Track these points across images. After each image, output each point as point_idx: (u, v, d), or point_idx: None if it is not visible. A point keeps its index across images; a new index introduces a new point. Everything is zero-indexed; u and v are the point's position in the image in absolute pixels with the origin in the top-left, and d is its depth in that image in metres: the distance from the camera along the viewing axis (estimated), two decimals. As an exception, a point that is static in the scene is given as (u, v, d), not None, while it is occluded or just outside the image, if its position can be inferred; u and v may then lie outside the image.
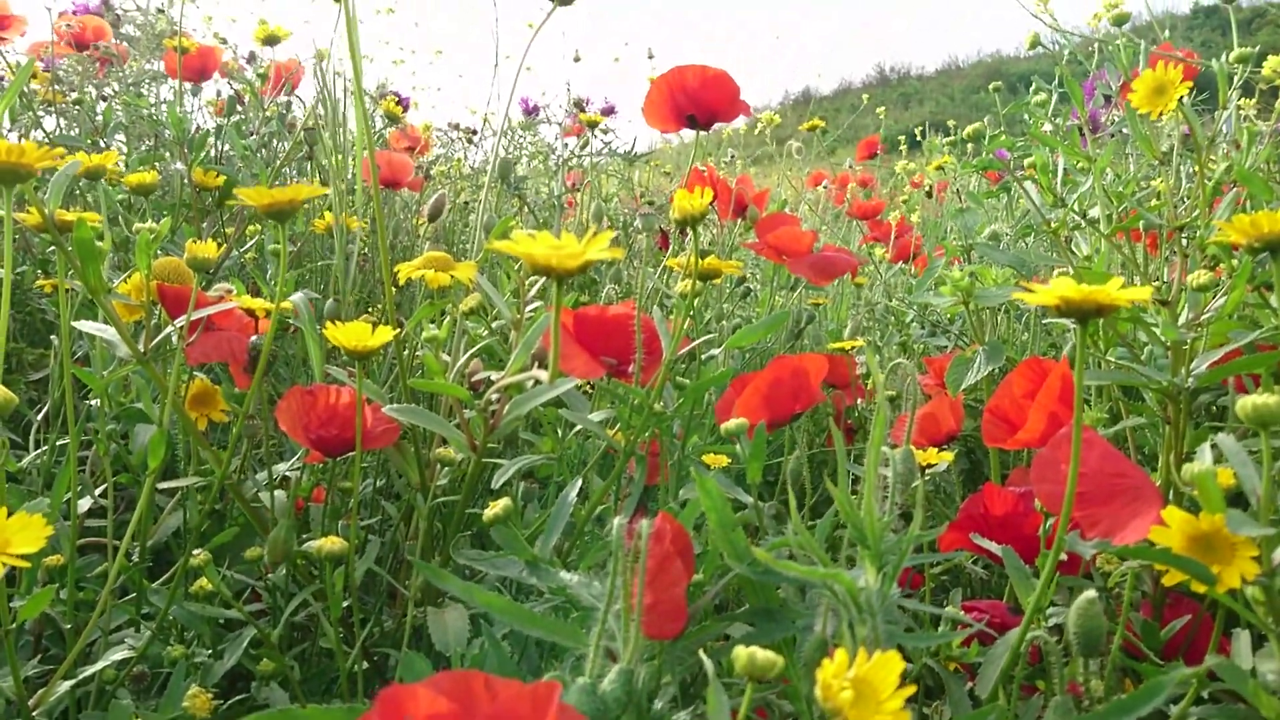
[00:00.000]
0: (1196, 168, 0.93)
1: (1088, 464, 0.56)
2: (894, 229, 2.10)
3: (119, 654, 0.65)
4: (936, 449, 1.10)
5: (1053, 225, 0.92)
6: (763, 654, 0.40)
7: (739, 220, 1.96)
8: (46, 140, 1.49)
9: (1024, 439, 0.77)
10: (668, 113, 1.25)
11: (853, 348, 1.37)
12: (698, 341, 0.78)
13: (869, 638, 0.49)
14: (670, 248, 1.97)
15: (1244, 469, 0.50)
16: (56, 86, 1.79)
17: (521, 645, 0.73)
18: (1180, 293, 0.91)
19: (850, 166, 3.43)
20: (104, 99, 1.97)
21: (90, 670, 0.63)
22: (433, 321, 0.79)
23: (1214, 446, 0.53)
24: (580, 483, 0.70)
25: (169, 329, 0.68)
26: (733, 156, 3.21)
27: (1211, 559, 0.49)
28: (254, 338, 0.74)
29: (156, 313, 0.73)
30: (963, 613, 0.73)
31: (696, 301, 1.51)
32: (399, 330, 0.71)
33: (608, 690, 0.49)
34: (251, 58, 2.60)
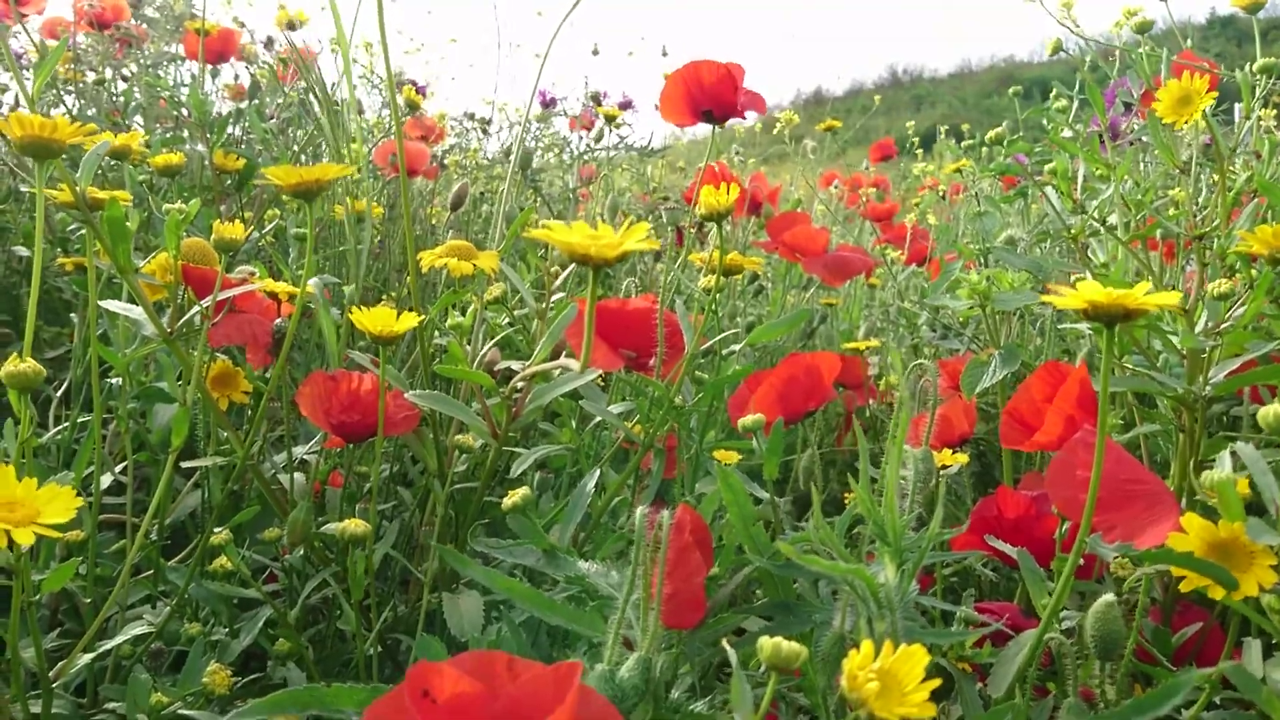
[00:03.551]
0: (1217, 177, 0.93)
1: (1103, 469, 0.57)
2: (909, 231, 2.11)
3: (137, 629, 0.66)
4: (950, 451, 1.11)
5: (1072, 231, 0.92)
6: (788, 645, 0.40)
7: (752, 218, 1.96)
8: (69, 118, 1.50)
9: (1041, 441, 0.77)
10: (683, 107, 1.25)
11: (866, 348, 1.38)
12: (719, 338, 0.78)
13: (888, 633, 0.49)
14: (684, 243, 1.98)
15: (1263, 477, 0.51)
16: (76, 66, 1.80)
17: (533, 633, 0.73)
18: (1198, 301, 0.91)
19: (866, 168, 3.43)
20: (123, 79, 1.98)
21: (109, 645, 0.64)
22: (455, 308, 0.79)
23: (1233, 454, 0.53)
24: (598, 474, 0.70)
25: (194, 309, 0.69)
26: (738, 153, 3.20)
27: (1229, 566, 0.49)
28: (278, 320, 0.74)
29: (181, 293, 0.74)
30: (976, 613, 0.74)
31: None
32: (423, 317, 0.71)
33: (625, 678, 0.50)
34: (269, 42, 2.60)
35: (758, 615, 0.56)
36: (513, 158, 1.05)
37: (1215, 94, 0.80)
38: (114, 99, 1.71)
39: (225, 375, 0.80)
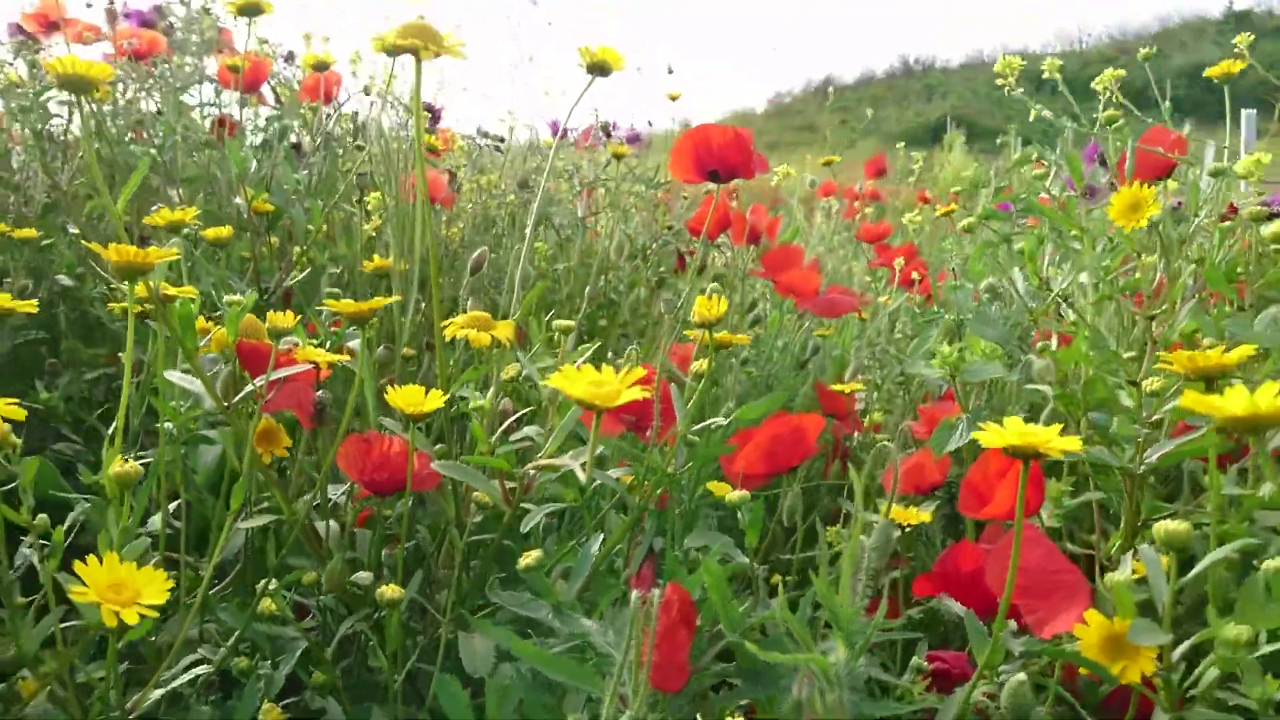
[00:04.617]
0: (1169, 260, 1.03)
1: (1032, 561, 0.67)
2: (897, 266, 2.20)
3: (199, 669, 0.76)
4: (922, 496, 1.21)
5: (1034, 314, 1.01)
6: (747, 726, 0.50)
7: (751, 247, 2.05)
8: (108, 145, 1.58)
9: (991, 513, 0.87)
10: (691, 166, 1.35)
11: (851, 391, 1.48)
12: (706, 424, 0.88)
13: (835, 704, 0.59)
14: (687, 268, 2.08)
15: (1157, 580, 0.61)
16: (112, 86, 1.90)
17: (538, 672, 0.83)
18: (1149, 372, 1.00)
19: (872, 175, 3.51)
20: (156, 110, 2.07)
21: (178, 681, 0.74)
22: (475, 385, 0.89)
23: (1135, 556, 0.63)
24: (600, 538, 0.81)
25: (249, 387, 0.79)
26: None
27: (1121, 654, 0.59)
28: (320, 394, 0.84)
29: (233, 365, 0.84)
30: (926, 663, 0.84)
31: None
32: (446, 396, 0.81)
33: (619, 733, 0.60)
34: (290, 56, 2.69)
35: (732, 678, 0.66)
36: (532, 211, 1.15)
37: (1161, 207, 0.90)
38: (139, 117, 1.80)
39: (268, 432, 0.90)
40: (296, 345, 0.89)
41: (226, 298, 0.77)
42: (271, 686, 0.80)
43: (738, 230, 2.00)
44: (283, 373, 0.78)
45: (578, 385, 0.55)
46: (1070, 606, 0.64)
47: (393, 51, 0.72)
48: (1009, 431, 0.55)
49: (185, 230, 1.08)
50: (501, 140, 2.59)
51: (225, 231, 0.97)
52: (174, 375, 0.82)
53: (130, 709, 0.72)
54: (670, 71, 2.81)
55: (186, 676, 0.74)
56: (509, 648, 0.69)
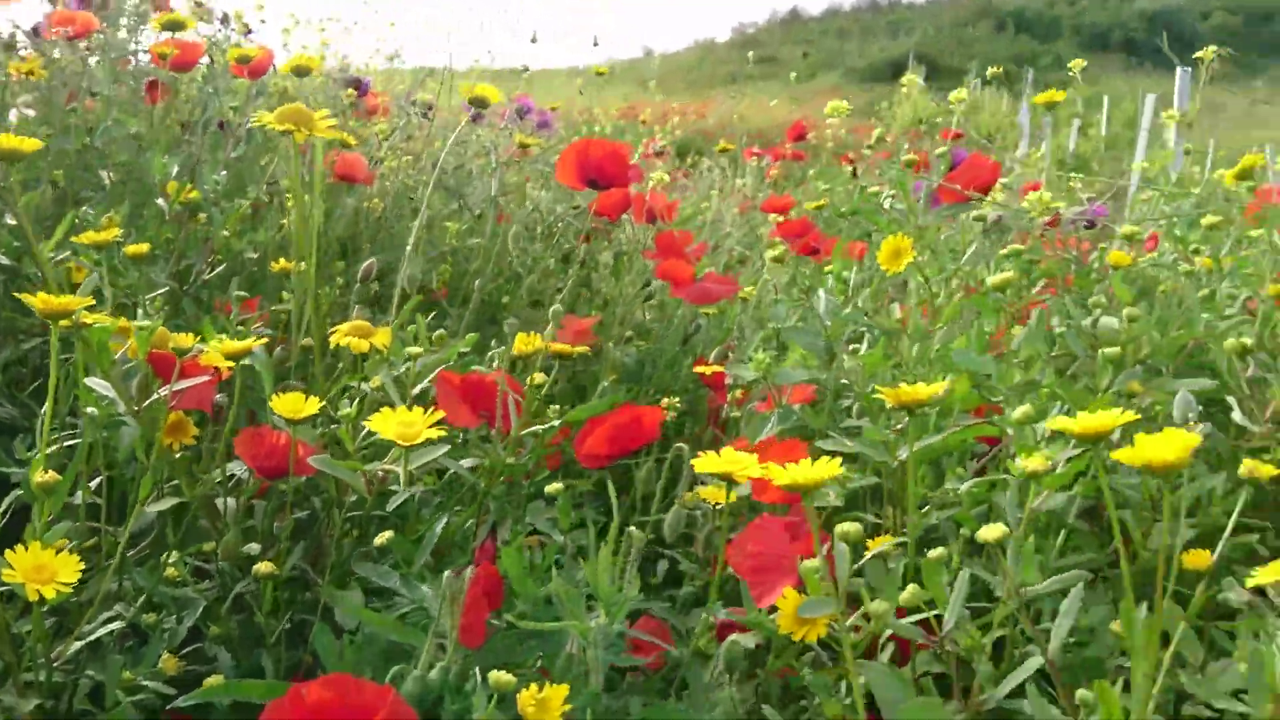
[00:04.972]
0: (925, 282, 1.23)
1: (768, 545, 0.87)
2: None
3: (115, 624, 0.94)
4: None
5: (828, 331, 1.21)
6: (506, 677, 0.70)
7: (653, 224, 2.23)
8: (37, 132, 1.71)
9: (767, 499, 1.07)
10: (575, 175, 1.53)
11: (712, 373, 1.67)
12: (538, 428, 1.06)
13: (593, 659, 0.79)
14: (589, 242, 2.25)
15: (841, 566, 0.81)
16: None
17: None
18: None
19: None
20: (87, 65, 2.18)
21: (98, 634, 0.92)
22: (350, 388, 1.07)
23: (832, 548, 0.83)
24: (446, 519, 1.00)
25: (157, 394, 0.96)
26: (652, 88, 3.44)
27: (805, 622, 0.79)
28: (219, 396, 1.02)
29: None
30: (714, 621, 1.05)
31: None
32: (323, 402, 0.99)
33: (432, 678, 0.79)
34: (225, 19, 2.78)
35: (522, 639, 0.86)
36: (416, 229, 1.31)
37: (915, 252, 1.09)
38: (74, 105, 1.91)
39: (178, 424, 1.07)
40: (202, 352, 1.05)
41: (136, 323, 0.93)
42: (175, 638, 0.99)
43: (638, 210, 2.17)
44: (186, 384, 0.95)
45: (390, 425, 0.73)
46: (782, 583, 0.84)
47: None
48: (719, 460, 0.74)
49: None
50: (430, 108, 2.71)
51: (143, 249, 1.13)
52: (93, 382, 0.99)
53: (55, 657, 0.90)
54: (596, 44, 2.96)
55: (105, 629, 0.92)
56: (361, 616, 0.88)
